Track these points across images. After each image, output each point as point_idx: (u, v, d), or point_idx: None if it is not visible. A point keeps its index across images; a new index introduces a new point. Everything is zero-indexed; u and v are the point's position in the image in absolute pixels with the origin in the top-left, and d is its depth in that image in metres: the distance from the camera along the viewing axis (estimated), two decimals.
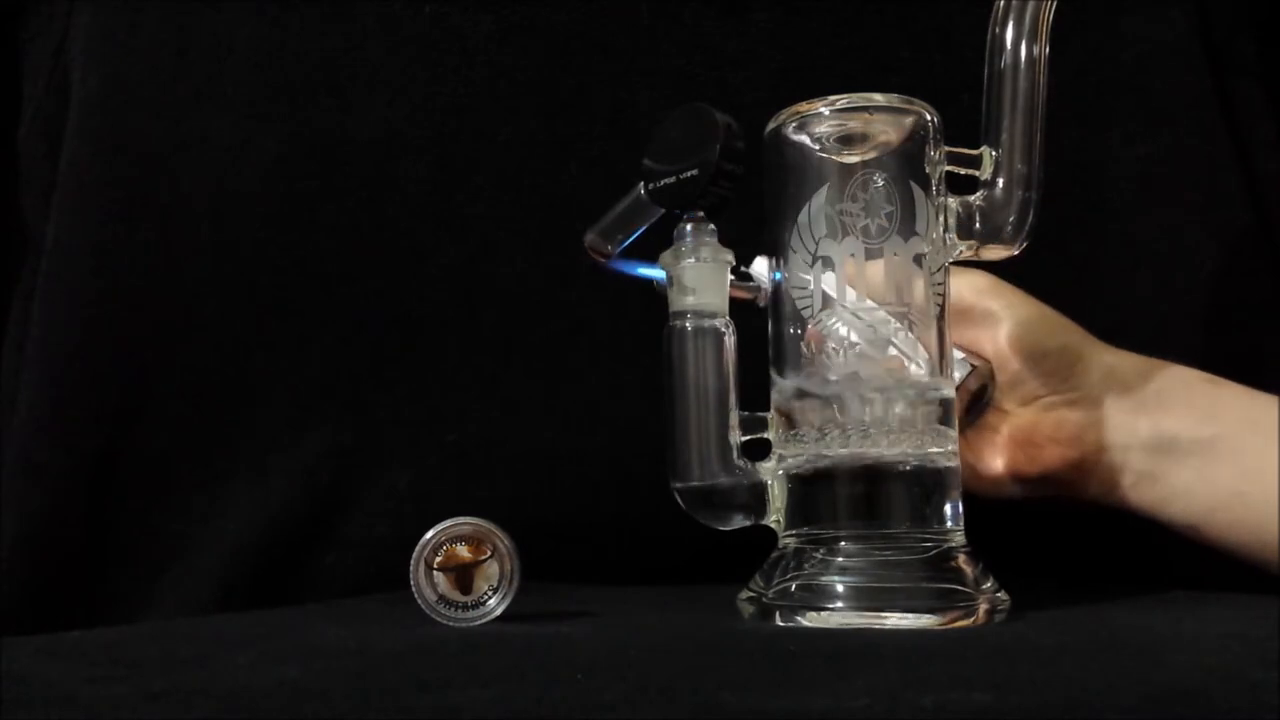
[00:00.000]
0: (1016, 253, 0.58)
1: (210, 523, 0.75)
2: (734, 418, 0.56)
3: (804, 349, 0.55)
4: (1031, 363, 0.63)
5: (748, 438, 0.56)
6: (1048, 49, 0.57)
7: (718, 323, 0.56)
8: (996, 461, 0.64)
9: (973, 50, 0.58)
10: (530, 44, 0.76)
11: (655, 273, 0.58)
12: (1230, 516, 0.62)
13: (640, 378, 0.63)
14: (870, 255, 0.54)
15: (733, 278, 0.57)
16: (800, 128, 0.56)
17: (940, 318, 0.55)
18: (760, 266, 0.62)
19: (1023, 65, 0.57)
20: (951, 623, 0.52)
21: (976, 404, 0.64)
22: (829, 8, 0.76)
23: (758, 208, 0.57)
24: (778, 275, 0.56)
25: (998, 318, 0.64)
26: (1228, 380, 0.64)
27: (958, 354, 0.63)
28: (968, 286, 0.64)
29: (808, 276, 0.55)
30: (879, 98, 0.56)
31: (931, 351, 0.55)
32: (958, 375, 0.62)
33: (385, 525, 0.74)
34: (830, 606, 0.52)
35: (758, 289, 0.62)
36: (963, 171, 0.57)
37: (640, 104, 0.75)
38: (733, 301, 0.56)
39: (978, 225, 0.57)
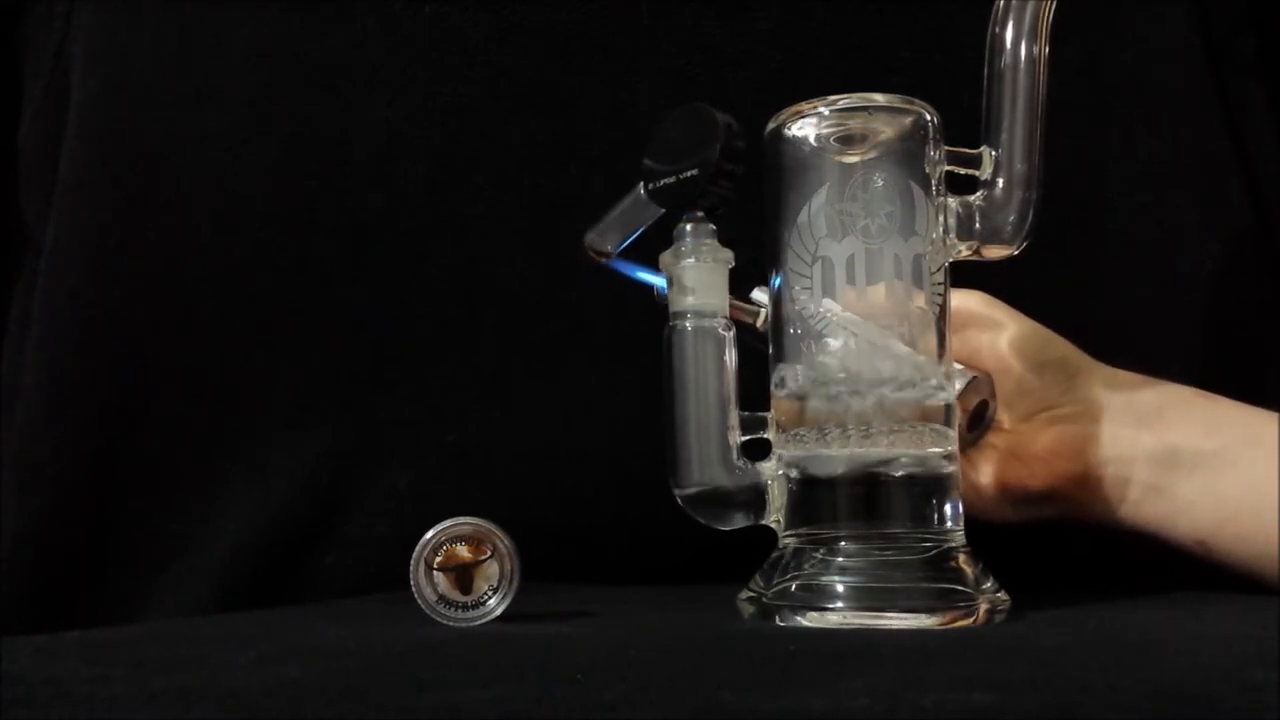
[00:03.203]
0: (1016, 252, 0.58)
1: (210, 523, 0.75)
2: (734, 417, 0.56)
3: (804, 348, 0.55)
4: (1032, 373, 0.63)
5: (748, 438, 0.56)
6: (1048, 49, 0.57)
7: (718, 323, 0.56)
8: (997, 478, 0.64)
9: (973, 50, 0.58)
10: (530, 44, 0.76)
11: (657, 280, 0.58)
12: (1239, 530, 0.61)
13: (640, 378, 0.63)
14: (870, 255, 0.54)
15: (735, 300, 0.57)
16: (800, 127, 0.56)
17: (940, 319, 0.55)
18: (760, 295, 0.63)
19: (1023, 65, 0.57)
20: (951, 623, 0.52)
21: (979, 421, 0.64)
22: (829, 8, 0.76)
23: (758, 208, 0.57)
24: (776, 282, 0.56)
25: (999, 328, 0.64)
26: (1223, 397, 0.64)
27: (956, 366, 0.62)
28: (968, 301, 0.64)
29: (808, 276, 0.55)
30: (879, 98, 0.56)
31: (931, 353, 0.55)
32: (957, 386, 0.62)
33: (385, 525, 0.74)
34: (830, 606, 0.52)
35: (757, 312, 0.62)
36: (963, 171, 0.57)
37: (640, 104, 0.75)
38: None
39: (978, 225, 0.57)
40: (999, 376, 0.63)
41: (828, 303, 0.54)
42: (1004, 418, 0.64)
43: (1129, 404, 0.63)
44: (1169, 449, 0.62)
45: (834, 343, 0.54)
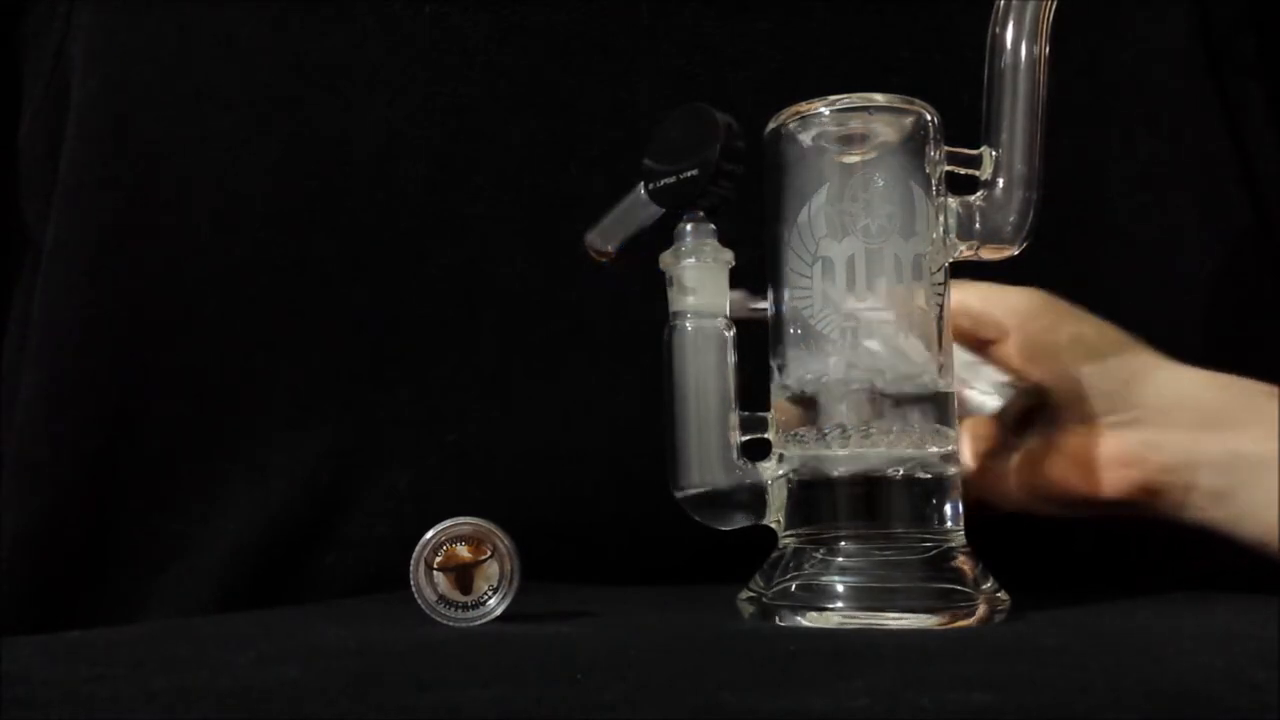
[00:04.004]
0: (1017, 253, 0.58)
1: (210, 523, 0.75)
2: (734, 418, 0.56)
3: (804, 348, 0.55)
4: (1092, 377, 0.62)
5: (748, 438, 0.56)
6: (1048, 49, 0.57)
7: (718, 323, 0.56)
8: (1057, 483, 0.63)
9: (973, 50, 0.58)
10: (530, 44, 0.76)
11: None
12: None
13: (640, 378, 0.63)
14: (871, 255, 0.54)
15: (748, 299, 0.57)
16: (800, 127, 0.56)
17: (940, 319, 0.55)
18: None
19: (1023, 65, 0.57)
20: (951, 623, 0.52)
21: (1025, 427, 0.63)
22: (829, 8, 0.76)
23: (758, 208, 0.57)
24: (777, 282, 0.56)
25: (1059, 327, 0.62)
26: None
27: (1000, 377, 0.61)
28: (1021, 305, 0.63)
29: (808, 276, 0.55)
30: (879, 98, 0.56)
31: (931, 352, 0.55)
32: (997, 402, 0.60)
33: (385, 525, 0.74)
34: (830, 606, 0.52)
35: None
36: (963, 171, 0.57)
37: (640, 104, 0.75)
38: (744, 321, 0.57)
39: (978, 225, 0.57)
40: (1058, 377, 0.62)
41: (851, 303, 0.54)
42: (1064, 419, 0.63)
43: (1192, 407, 0.62)
44: (1232, 454, 0.61)
45: (834, 343, 0.54)
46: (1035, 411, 0.63)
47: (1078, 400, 0.62)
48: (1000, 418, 0.61)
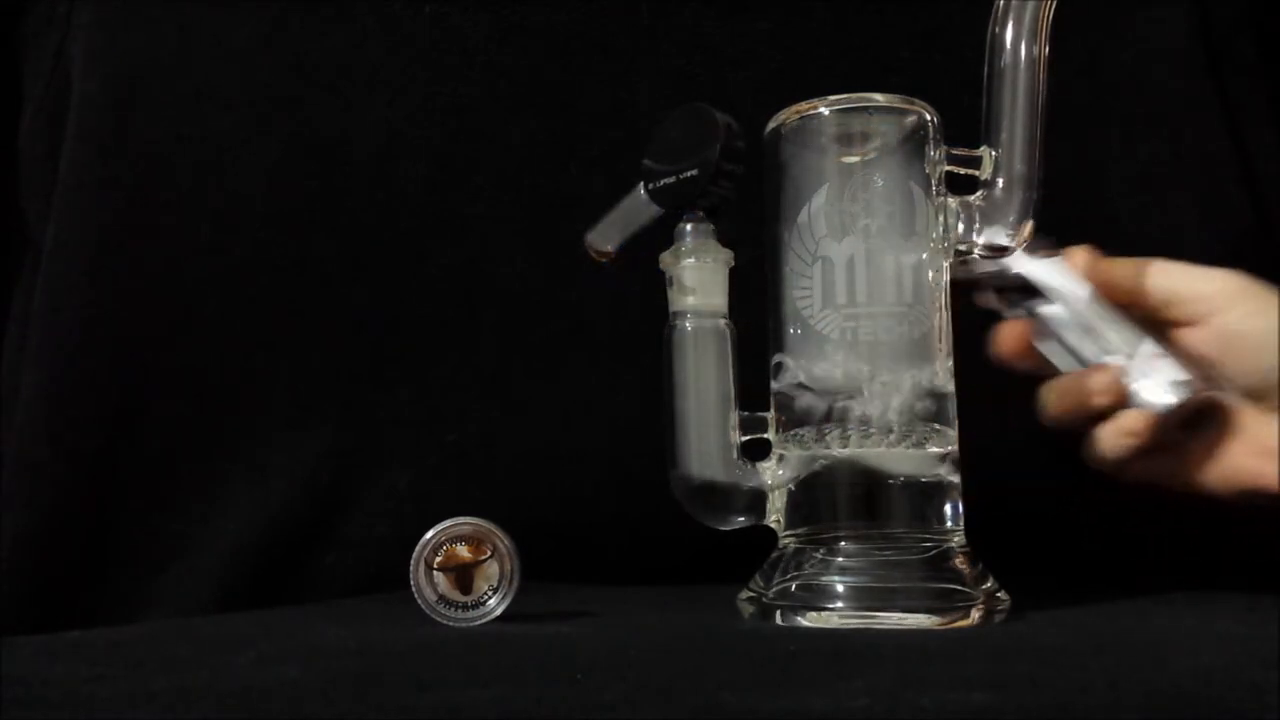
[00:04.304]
0: (1016, 253, 0.58)
1: (210, 523, 0.75)
2: (734, 418, 0.56)
3: (804, 349, 0.55)
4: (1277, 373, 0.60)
5: (748, 438, 0.56)
6: (1048, 49, 0.57)
7: (718, 323, 0.56)
8: (1240, 472, 0.61)
9: (973, 50, 0.58)
10: (530, 44, 0.76)
11: None
12: None
13: (640, 378, 0.63)
14: (871, 255, 0.54)
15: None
16: (800, 127, 0.56)
17: (940, 318, 0.55)
18: None
19: (1023, 65, 0.57)
20: (951, 623, 0.52)
21: (1195, 424, 0.61)
22: (829, 8, 0.76)
23: (758, 208, 0.57)
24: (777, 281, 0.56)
25: (1258, 314, 0.61)
26: None
27: (1179, 374, 0.59)
28: (1220, 289, 0.61)
29: (808, 276, 0.55)
30: (879, 98, 0.56)
31: (933, 349, 0.55)
32: (1171, 400, 0.59)
33: (385, 525, 0.74)
34: (830, 606, 0.52)
35: None
36: (963, 171, 0.57)
37: (640, 104, 0.75)
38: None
39: (978, 225, 0.57)
40: (1251, 368, 0.60)
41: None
42: (1252, 407, 0.61)
43: None
44: None
45: (834, 343, 0.54)
46: (1210, 404, 0.61)
47: (1269, 393, 0.60)
48: (1167, 415, 0.59)
